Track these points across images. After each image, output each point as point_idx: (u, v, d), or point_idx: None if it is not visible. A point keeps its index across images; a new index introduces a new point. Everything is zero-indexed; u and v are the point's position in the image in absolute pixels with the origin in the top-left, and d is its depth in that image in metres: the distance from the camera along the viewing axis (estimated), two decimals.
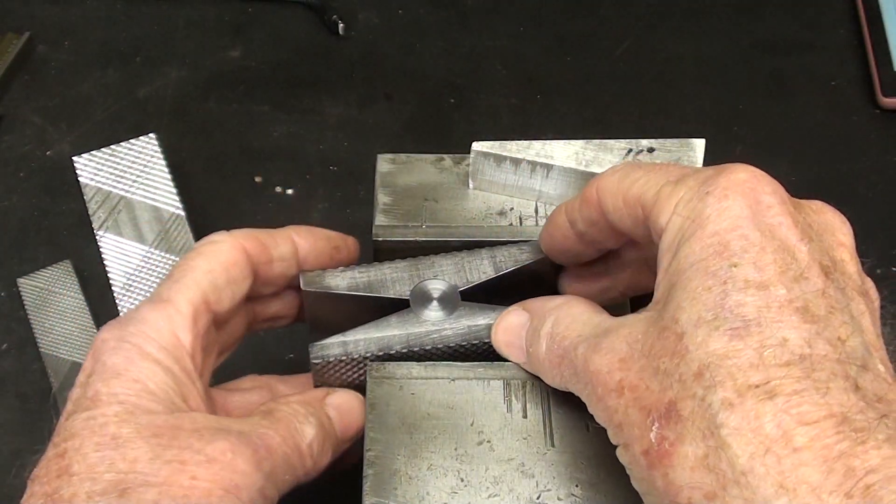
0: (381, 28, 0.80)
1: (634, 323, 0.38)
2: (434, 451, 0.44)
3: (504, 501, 0.43)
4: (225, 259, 0.45)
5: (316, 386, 0.48)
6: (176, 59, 0.78)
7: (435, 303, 0.48)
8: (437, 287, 0.48)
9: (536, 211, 0.51)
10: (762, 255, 0.35)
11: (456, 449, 0.44)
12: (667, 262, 0.38)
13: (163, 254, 0.63)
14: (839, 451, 0.31)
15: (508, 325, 0.45)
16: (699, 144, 0.50)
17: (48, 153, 0.73)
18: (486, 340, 0.46)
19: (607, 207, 0.42)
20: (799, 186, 0.74)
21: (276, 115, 0.75)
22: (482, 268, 0.49)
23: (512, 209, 0.52)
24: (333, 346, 0.47)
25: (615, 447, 0.37)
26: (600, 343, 0.38)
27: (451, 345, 0.47)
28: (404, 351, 0.46)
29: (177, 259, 0.62)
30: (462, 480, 0.43)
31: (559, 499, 0.43)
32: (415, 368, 0.46)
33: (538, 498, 0.43)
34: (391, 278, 0.49)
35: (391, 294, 0.48)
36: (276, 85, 0.77)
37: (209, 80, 0.77)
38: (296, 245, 0.48)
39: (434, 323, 0.47)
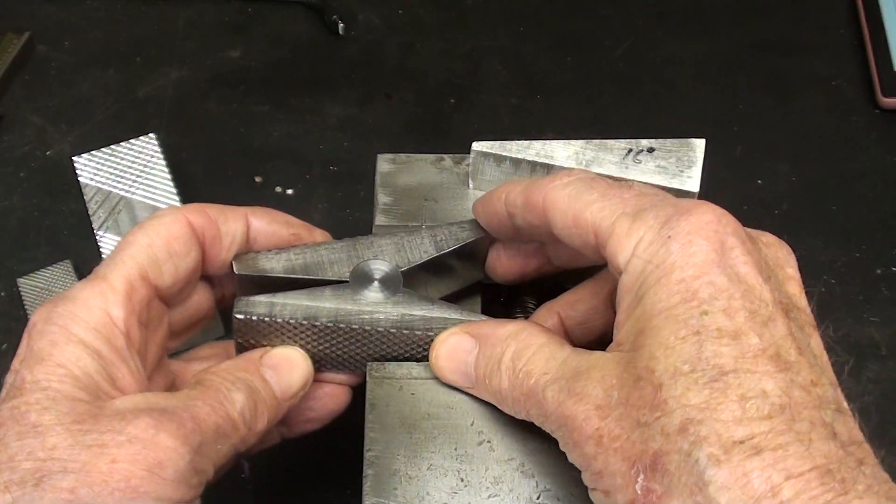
0: (381, 28, 0.80)
1: (605, 365, 0.37)
2: (434, 451, 0.44)
3: (504, 501, 0.43)
4: (166, 232, 0.44)
5: (237, 346, 0.47)
6: (176, 59, 0.78)
7: (376, 284, 0.46)
8: (379, 268, 0.47)
9: None
10: (731, 301, 0.36)
11: (456, 449, 0.44)
12: (627, 302, 0.38)
13: None
14: (824, 502, 0.32)
15: (452, 352, 0.44)
16: (699, 144, 0.50)
17: (48, 153, 0.73)
18: (418, 332, 0.45)
19: (555, 222, 0.42)
20: (799, 186, 0.75)
21: (276, 115, 0.75)
22: (423, 247, 0.48)
23: None
24: (260, 304, 0.45)
25: (588, 488, 0.37)
26: (573, 387, 0.38)
27: (380, 329, 0.45)
28: (330, 325, 0.45)
29: None
30: (462, 480, 0.43)
31: (559, 499, 0.43)
32: (415, 369, 0.46)
33: (538, 498, 0.43)
34: (329, 259, 0.47)
35: (330, 275, 0.47)
36: (276, 85, 0.77)
37: (209, 80, 0.77)
38: (248, 224, 0.47)
39: (368, 303, 0.46)
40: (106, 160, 0.67)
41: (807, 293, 0.40)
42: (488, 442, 0.44)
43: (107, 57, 0.78)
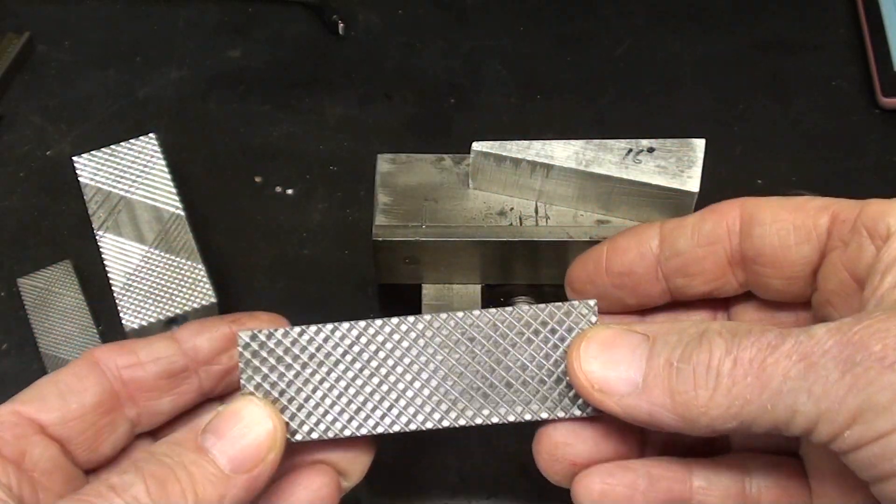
0: (381, 28, 0.80)
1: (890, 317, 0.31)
2: (434, 450, 0.44)
3: (504, 501, 0.43)
4: (56, 371, 0.41)
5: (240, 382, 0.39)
6: (176, 59, 0.78)
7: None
8: None
9: (536, 211, 0.51)
10: None
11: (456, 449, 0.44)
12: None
13: (163, 254, 0.63)
14: None
15: (610, 345, 0.35)
16: (699, 144, 0.50)
17: (48, 153, 0.73)
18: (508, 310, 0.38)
19: (762, 219, 0.37)
20: (799, 186, 0.75)
21: (276, 115, 0.75)
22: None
23: (512, 209, 0.52)
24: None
25: None
26: (857, 339, 0.30)
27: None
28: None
29: (177, 259, 0.62)
30: (462, 480, 0.43)
31: (560, 499, 0.43)
32: None
33: (538, 498, 0.43)
34: None
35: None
36: (276, 85, 0.77)
37: (209, 80, 0.77)
38: (176, 340, 0.42)
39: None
40: (106, 160, 0.67)
41: None
42: (489, 442, 0.44)
43: (107, 57, 0.78)
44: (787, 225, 0.36)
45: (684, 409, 0.32)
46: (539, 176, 0.50)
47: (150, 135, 0.69)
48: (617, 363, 0.34)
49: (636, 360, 0.33)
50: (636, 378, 0.33)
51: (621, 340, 0.34)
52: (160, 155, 0.68)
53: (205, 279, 0.60)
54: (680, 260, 0.39)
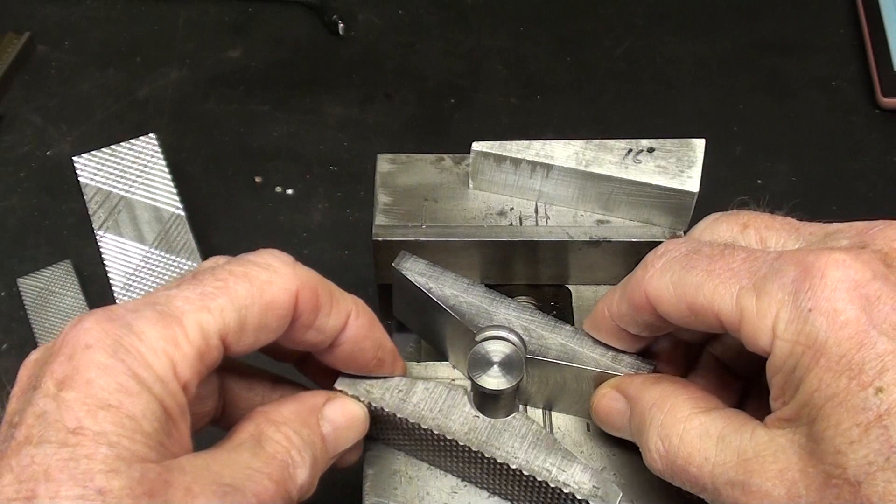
0: (381, 28, 0.80)
1: (780, 454, 0.34)
2: None
3: (504, 501, 0.43)
4: (271, 299, 0.37)
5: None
6: (176, 59, 0.78)
7: (496, 368, 0.43)
8: (497, 350, 0.44)
9: (536, 211, 0.51)
10: None
11: None
12: (782, 381, 0.35)
13: (163, 254, 0.63)
14: None
15: (608, 413, 0.42)
16: (699, 144, 0.50)
17: (48, 153, 0.73)
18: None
19: (668, 314, 0.38)
20: (799, 186, 0.75)
21: (276, 115, 0.75)
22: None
23: (512, 209, 0.52)
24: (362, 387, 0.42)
25: None
26: (748, 485, 0.34)
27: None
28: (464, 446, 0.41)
29: (176, 259, 0.62)
30: (462, 480, 0.43)
31: None
32: (415, 368, 0.46)
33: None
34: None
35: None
36: (276, 85, 0.77)
37: (209, 80, 0.77)
38: (347, 325, 0.40)
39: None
40: (106, 160, 0.67)
41: None
42: None
43: (107, 57, 0.78)
44: (693, 321, 0.38)
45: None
46: (539, 176, 0.50)
47: (150, 135, 0.69)
48: (615, 428, 0.42)
49: (625, 427, 0.41)
50: (631, 436, 0.41)
51: (613, 409, 0.41)
52: (160, 155, 0.68)
53: None
54: (645, 333, 0.42)
